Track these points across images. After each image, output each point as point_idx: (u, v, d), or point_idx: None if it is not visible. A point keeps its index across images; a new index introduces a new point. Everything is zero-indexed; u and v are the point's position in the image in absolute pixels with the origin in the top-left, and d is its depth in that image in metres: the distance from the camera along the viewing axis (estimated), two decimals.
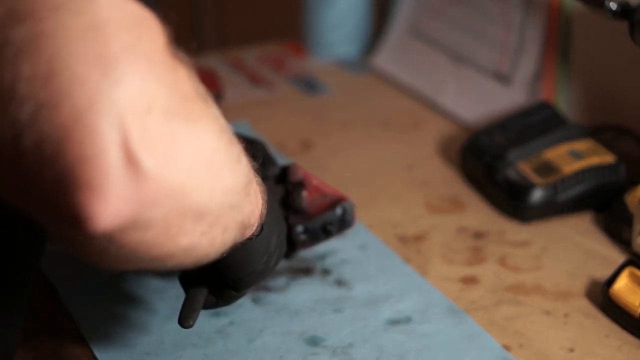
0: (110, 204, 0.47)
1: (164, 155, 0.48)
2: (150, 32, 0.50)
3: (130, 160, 0.47)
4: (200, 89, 0.53)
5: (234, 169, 0.55)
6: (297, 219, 0.78)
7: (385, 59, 1.25)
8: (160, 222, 0.49)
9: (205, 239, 0.53)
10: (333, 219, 0.78)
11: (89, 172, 0.46)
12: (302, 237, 0.78)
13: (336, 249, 0.87)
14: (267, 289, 0.82)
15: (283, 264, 0.85)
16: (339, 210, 0.78)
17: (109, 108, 0.46)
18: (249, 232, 0.63)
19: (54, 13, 0.47)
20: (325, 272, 0.84)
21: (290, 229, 0.77)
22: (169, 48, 0.51)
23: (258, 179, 0.63)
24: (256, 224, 0.64)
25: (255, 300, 0.80)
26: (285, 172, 0.79)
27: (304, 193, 0.78)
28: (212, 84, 1.06)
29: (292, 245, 0.78)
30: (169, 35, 0.51)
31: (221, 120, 0.54)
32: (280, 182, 0.79)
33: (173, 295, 0.80)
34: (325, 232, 0.78)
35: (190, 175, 0.50)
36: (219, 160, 0.52)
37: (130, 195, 0.47)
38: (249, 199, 0.60)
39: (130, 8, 0.49)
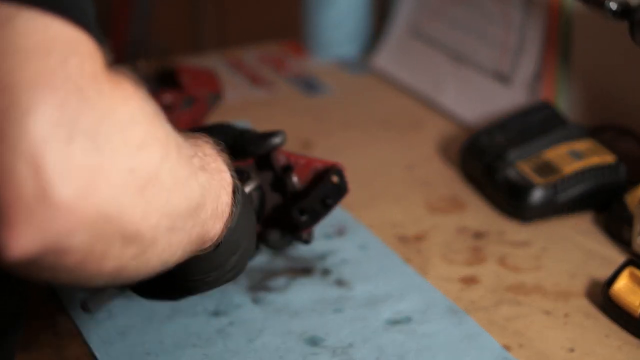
0: (21, 235, 0.47)
1: (84, 185, 0.47)
2: (78, 55, 0.48)
3: (44, 191, 0.46)
4: (150, 110, 0.51)
5: (178, 191, 0.54)
6: (294, 202, 0.77)
7: (385, 59, 1.25)
8: (81, 248, 0.49)
9: (136, 261, 0.53)
10: (327, 191, 0.76)
11: (1, 205, 0.46)
12: (303, 218, 0.76)
13: (336, 249, 0.87)
14: (267, 289, 0.82)
15: (283, 263, 0.85)
16: (330, 180, 0.76)
17: (18, 139, 0.46)
18: (204, 247, 0.62)
19: None
20: (325, 272, 0.84)
21: (290, 213, 0.76)
22: (106, 72, 0.49)
23: (226, 189, 0.62)
24: (215, 238, 0.63)
25: (255, 301, 0.80)
26: (267, 158, 0.77)
27: (294, 175, 0.77)
28: (211, 84, 1.06)
29: (295, 229, 0.77)
30: (107, 56, 0.50)
31: (168, 141, 0.53)
32: (264, 169, 0.77)
33: None
34: (323, 205, 0.77)
35: (117, 203, 0.49)
36: (157, 185, 0.51)
37: (45, 225, 0.47)
38: (203, 218, 0.59)
39: (54, 32, 0.48)
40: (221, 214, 0.62)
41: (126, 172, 0.49)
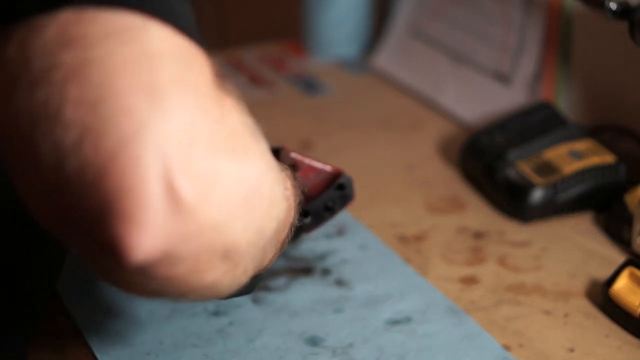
0: (148, 237, 0.46)
1: (204, 190, 0.47)
2: (198, 65, 0.49)
3: (171, 193, 0.46)
4: (249, 123, 0.52)
5: (273, 209, 0.54)
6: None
7: (385, 59, 1.25)
8: (192, 257, 0.48)
9: (227, 277, 0.52)
10: (334, 197, 0.77)
11: (129, 202, 0.46)
12: (306, 220, 0.77)
13: (336, 249, 0.87)
14: (267, 289, 0.82)
15: (283, 263, 0.85)
16: (337, 187, 0.76)
17: (154, 139, 0.46)
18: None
19: (105, 40, 0.46)
20: (325, 272, 0.84)
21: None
22: (216, 82, 0.50)
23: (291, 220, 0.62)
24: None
25: (255, 301, 0.80)
26: (275, 156, 0.77)
27: (298, 176, 0.77)
28: None
29: (297, 231, 0.77)
30: (216, 69, 0.51)
31: (268, 157, 0.53)
32: None
33: None
34: (328, 210, 0.77)
35: (227, 212, 0.49)
36: (258, 199, 0.51)
37: (168, 228, 0.46)
38: (274, 245, 0.59)
39: (180, 41, 0.49)
40: (277, 246, 0.62)
41: (236, 180, 0.49)
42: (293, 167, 0.77)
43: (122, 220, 0.46)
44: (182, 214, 0.46)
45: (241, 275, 0.54)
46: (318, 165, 0.78)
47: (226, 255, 0.51)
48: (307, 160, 0.77)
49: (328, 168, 0.78)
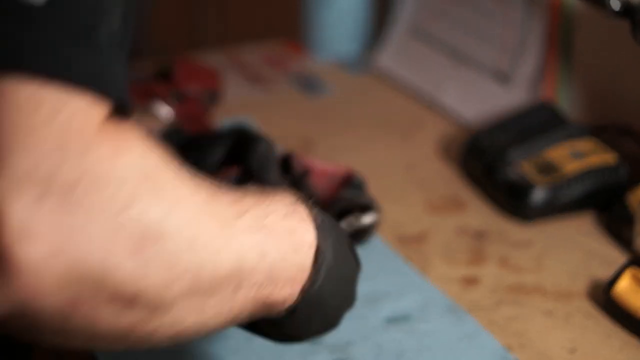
0: None
1: (53, 245, 0.45)
2: (66, 111, 0.46)
3: (2, 252, 0.44)
4: (153, 162, 0.49)
5: (200, 252, 0.50)
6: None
7: (386, 58, 1.25)
8: (58, 310, 0.46)
9: (153, 324, 0.50)
10: (345, 203, 0.77)
11: None
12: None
13: None
14: None
15: None
16: (352, 188, 0.77)
17: None
18: (272, 311, 0.58)
19: None
20: None
21: None
22: (103, 125, 0.47)
23: (301, 250, 0.57)
24: (286, 303, 0.58)
25: None
26: (286, 162, 0.77)
27: (311, 181, 0.77)
28: (208, 81, 1.06)
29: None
30: (109, 113, 0.48)
31: (187, 197, 0.49)
32: (283, 173, 0.78)
33: None
34: (340, 216, 0.77)
35: (99, 263, 0.46)
36: (162, 244, 0.48)
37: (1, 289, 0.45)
38: (254, 282, 0.54)
39: (44, 90, 0.46)
40: (291, 278, 0.57)
41: (110, 231, 0.46)
42: (305, 172, 0.76)
43: None
44: (21, 274, 0.44)
45: (185, 319, 0.51)
46: (328, 168, 0.78)
47: (128, 303, 0.48)
48: (318, 165, 0.77)
49: (339, 170, 0.78)
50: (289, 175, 0.76)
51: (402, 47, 1.24)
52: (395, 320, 0.78)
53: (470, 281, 0.84)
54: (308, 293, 0.59)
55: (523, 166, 0.94)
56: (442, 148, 1.07)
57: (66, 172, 0.45)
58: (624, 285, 0.78)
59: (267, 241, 0.55)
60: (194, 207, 0.50)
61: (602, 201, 0.92)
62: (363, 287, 0.82)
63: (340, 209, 0.76)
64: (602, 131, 0.99)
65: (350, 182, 0.77)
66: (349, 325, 0.77)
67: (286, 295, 0.58)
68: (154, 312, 0.49)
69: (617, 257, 0.85)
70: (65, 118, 0.46)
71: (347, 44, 1.28)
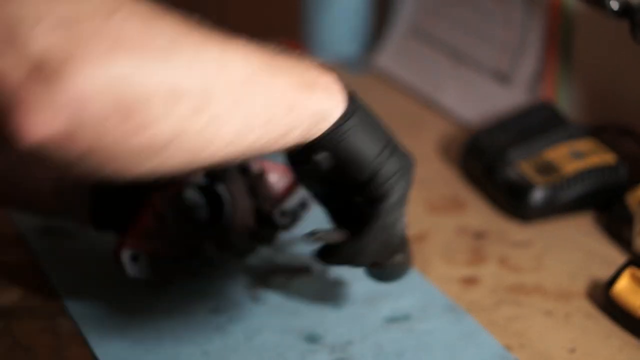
0: (34, 117, 0.47)
1: (75, 55, 0.48)
2: None
3: (38, 69, 0.47)
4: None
5: (213, 48, 0.54)
6: (271, 206, 0.79)
7: (385, 58, 1.25)
8: (113, 113, 0.49)
9: (198, 121, 0.52)
10: (305, 194, 0.78)
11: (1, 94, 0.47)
12: (283, 220, 0.79)
13: None
14: (267, 287, 0.82)
15: (282, 261, 0.85)
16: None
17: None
18: (320, 113, 0.61)
19: None
20: (325, 270, 0.84)
21: (268, 217, 0.78)
22: None
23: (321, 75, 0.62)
24: (330, 115, 0.62)
25: (254, 298, 0.80)
26: (243, 174, 0.79)
27: (267, 178, 0.79)
28: None
29: (274, 230, 0.79)
30: None
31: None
32: (243, 174, 0.79)
33: (173, 293, 0.80)
34: (303, 207, 0.79)
35: (133, 63, 0.49)
36: (162, 42, 0.51)
37: (51, 101, 0.47)
38: (278, 78, 0.58)
39: None
40: (326, 90, 0.62)
41: (116, 35, 0.50)
42: (261, 172, 0.78)
43: (2, 114, 0.48)
44: (60, 84, 0.47)
45: (230, 115, 0.54)
46: (282, 168, 0.79)
47: (173, 96, 0.51)
48: (272, 165, 0.79)
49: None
50: (246, 178, 0.78)
51: (402, 48, 1.24)
52: (395, 319, 0.78)
53: (470, 281, 0.84)
54: (351, 110, 0.63)
55: (523, 166, 0.94)
56: (442, 148, 1.07)
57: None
58: (623, 285, 0.78)
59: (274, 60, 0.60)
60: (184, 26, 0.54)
61: (601, 201, 0.92)
62: (363, 286, 0.82)
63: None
64: (601, 131, 0.99)
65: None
66: (349, 324, 0.78)
67: (326, 106, 0.61)
68: (203, 104, 0.52)
69: (617, 257, 0.86)
70: None
71: (347, 44, 1.28)
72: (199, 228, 0.77)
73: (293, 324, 0.77)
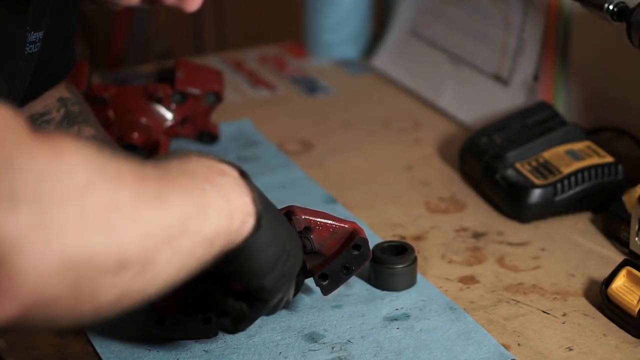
0: None
1: (41, 243, 0.50)
2: None
3: (2, 264, 0.49)
4: (90, 152, 0.53)
5: (154, 209, 0.56)
6: (314, 264, 0.77)
7: (384, 60, 1.25)
8: (64, 294, 0.51)
9: (140, 281, 0.55)
10: (350, 258, 0.76)
11: None
12: (324, 282, 0.77)
13: None
14: None
15: None
16: (354, 247, 0.76)
17: None
18: (234, 236, 0.64)
19: None
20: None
21: (309, 276, 0.77)
22: (31, 133, 0.51)
23: (225, 188, 0.64)
24: (241, 235, 0.65)
25: None
26: (286, 218, 0.77)
27: (313, 237, 0.76)
28: (210, 82, 1.06)
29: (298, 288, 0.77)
30: (27, 119, 0.52)
31: (126, 171, 0.55)
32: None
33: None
34: (345, 270, 0.77)
35: (82, 245, 0.51)
36: (122, 213, 0.53)
37: (11, 292, 0.49)
38: (207, 217, 0.61)
39: None
40: (243, 214, 0.65)
41: (79, 216, 0.51)
42: (307, 229, 0.76)
43: None
44: (22, 274, 0.49)
45: (167, 265, 0.57)
46: (331, 223, 0.77)
47: (117, 269, 0.53)
48: (320, 220, 0.77)
49: (342, 225, 0.78)
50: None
51: (401, 49, 1.24)
52: (394, 318, 0.78)
53: (469, 281, 0.84)
54: (256, 227, 0.66)
55: (521, 167, 0.95)
56: (441, 148, 1.07)
57: (24, 180, 0.50)
58: (620, 284, 0.78)
59: (205, 188, 0.62)
60: (135, 177, 0.56)
61: (599, 202, 0.93)
62: (362, 285, 0.83)
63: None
64: (599, 132, 1.00)
65: (351, 239, 0.77)
66: (349, 323, 0.78)
67: (232, 227, 0.64)
68: (145, 267, 0.55)
69: (614, 256, 0.86)
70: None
71: (346, 46, 1.28)
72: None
73: (293, 323, 0.78)
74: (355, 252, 0.76)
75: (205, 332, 0.75)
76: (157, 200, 0.57)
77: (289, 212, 0.76)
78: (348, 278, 0.77)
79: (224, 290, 0.69)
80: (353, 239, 0.76)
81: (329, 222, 0.77)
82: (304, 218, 0.76)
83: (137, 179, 0.56)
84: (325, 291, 0.77)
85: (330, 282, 0.77)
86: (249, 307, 0.71)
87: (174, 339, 0.75)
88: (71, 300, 0.52)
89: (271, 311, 0.73)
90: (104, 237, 0.52)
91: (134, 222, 0.55)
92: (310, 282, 0.81)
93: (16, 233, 0.49)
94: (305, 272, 0.76)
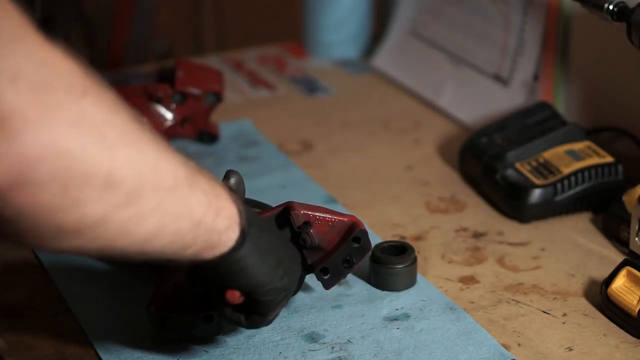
0: None
1: (38, 118, 0.51)
2: (5, 10, 0.52)
3: (1, 122, 0.50)
4: (85, 71, 0.55)
5: (148, 148, 0.57)
6: (314, 259, 0.76)
7: (384, 59, 1.25)
8: (50, 180, 0.52)
9: (124, 213, 0.56)
10: (351, 251, 0.76)
11: None
12: (325, 276, 0.77)
13: None
14: None
15: None
16: (354, 240, 0.76)
17: None
18: (217, 237, 0.64)
19: None
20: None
21: (311, 271, 0.76)
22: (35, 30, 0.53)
23: (224, 194, 0.65)
24: (229, 231, 0.65)
25: None
26: (285, 214, 0.77)
27: (313, 231, 0.76)
28: (210, 82, 1.06)
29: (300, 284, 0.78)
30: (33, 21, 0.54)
31: (119, 106, 0.56)
32: (283, 226, 0.76)
33: None
34: (346, 263, 0.77)
35: (76, 141, 0.53)
36: (114, 132, 0.55)
37: (3, 154, 0.50)
38: (195, 194, 0.61)
39: None
40: (227, 219, 0.64)
41: (75, 116, 0.53)
42: (306, 224, 0.76)
43: None
44: (18, 139, 0.51)
45: (151, 214, 0.57)
46: (330, 217, 0.77)
47: (105, 185, 0.54)
48: (319, 214, 0.77)
49: (342, 219, 0.77)
50: (289, 227, 0.76)
51: (401, 49, 1.24)
52: (394, 318, 0.79)
53: (469, 281, 0.84)
54: (245, 235, 0.66)
55: (521, 167, 0.95)
56: (441, 148, 1.07)
57: (28, 62, 0.52)
58: (620, 284, 0.78)
59: (194, 176, 0.62)
60: (129, 117, 0.57)
61: (599, 202, 0.93)
62: (362, 285, 0.83)
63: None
64: (599, 132, 1.00)
65: (351, 232, 0.76)
66: (349, 323, 0.78)
67: (224, 225, 0.64)
68: (131, 200, 0.56)
69: (614, 256, 0.86)
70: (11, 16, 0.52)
71: (347, 46, 1.28)
72: None
73: (293, 323, 0.78)
74: (356, 245, 0.76)
75: (208, 331, 0.75)
76: (154, 148, 0.58)
77: (288, 208, 0.75)
78: (349, 271, 0.77)
79: (223, 300, 0.69)
80: (352, 231, 0.76)
81: (328, 216, 0.77)
82: (303, 213, 0.76)
83: (136, 120, 0.57)
84: (327, 285, 0.77)
85: (331, 276, 0.77)
86: (246, 319, 0.71)
87: (176, 339, 0.75)
88: (57, 196, 0.53)
89: (269, 322, 0.72)
90: (96, 145, 0.54)
91: (128, 146, 0.56)
92: (310, 280, 0.81)
93: (16, 105, 0.50)
94: (306, 267, 0.76)
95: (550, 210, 0.93)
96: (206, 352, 0.75)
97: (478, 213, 0.95)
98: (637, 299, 0.76)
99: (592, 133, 0.99)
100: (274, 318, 0.72)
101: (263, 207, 0.81)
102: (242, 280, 0.67)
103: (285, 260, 0.71)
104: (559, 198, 0.92)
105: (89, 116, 0.54)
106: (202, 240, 0.63)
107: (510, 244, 0.89)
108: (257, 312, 0.70)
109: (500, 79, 1.11)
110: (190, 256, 0.63)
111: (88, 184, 0.54)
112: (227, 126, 1.10)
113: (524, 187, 0.92)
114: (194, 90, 1.04)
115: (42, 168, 0.52)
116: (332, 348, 0.75)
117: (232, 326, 0.76)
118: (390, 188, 1.00)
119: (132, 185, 0.56)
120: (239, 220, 0.65)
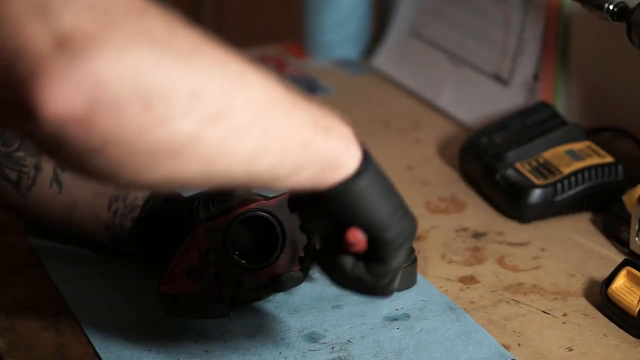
0: (55, 87, 0.47)
1: (101, 35, 0.47)
2: None
3: (64, 42, 0.47)
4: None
5: (225, 62, 0.54)
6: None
7: (384, 60, 1.25)
8: (133, 97, 0.48)
9: (217, 128, 0.52)
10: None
11: (23, 63, 0.47)
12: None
13: None
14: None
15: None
16: None
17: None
18: (336, 157, 0.60)
19: None
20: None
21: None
22: None
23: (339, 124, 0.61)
24: (350, 150, 0.61)
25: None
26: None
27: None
28: None
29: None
30: None
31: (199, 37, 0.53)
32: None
33: None
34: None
35: (145, 53, 0.49)
36: (186, 45, 0.51)
37: (73, 75, 0.47)
38: (297, 112, 0.57)
39: None
40: (342, 139, 0.60)
41: (141, 27, 0.49)
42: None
43: (23, 81, 0.47)
44: (86, 60, 0.47)
45: (247, 136, 0.53)
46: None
47: (195, 99, 0.50)
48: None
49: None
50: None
51: (401, 49, 1.24)
52: (394, 318, 0.79)
53: (469, 281, 0.84)
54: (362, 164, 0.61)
55: (521, 167, 0.95)
56: (441, 148, 1.07)
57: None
58: (620, 284, 0.78)
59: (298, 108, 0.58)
60: (208, 47, 0.54)
61: (599, 202, 0.93)
62: None
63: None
64: (599, 132, 1.00)
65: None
66: (349, 323, 0.78)
67: (340, 155, 0.60)
68: (220, 111, 0.51)
69: (614, 256, 0.86)
70: None
71: (347, 46, 1.28)
72: (242, 265, 0.75)
73: (294, 323, 0.78)
74: None
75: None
76: (236, 62, 0.54)
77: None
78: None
79: (341, 247, 0.64)
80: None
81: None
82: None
83: (209, 36, 0.54)
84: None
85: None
86: (367, 271, 0.64)
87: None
88: (141, 114, 0.49)
89: (393, 274, 0.65)
90: (169, 57, 0.49)
91: (206, 57, 0.52)
92: (310, 280, 0.81)
93: (74, 25, 0.47)
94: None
95: (550, 210, 0.93)
96: (206, 352, 0.75)
97: (478, 213, 0.95)
98: (637, 299, 0.76)
99: (592, 133, 0.99)
100: (396, 271, 0.65)
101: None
102: (366, 211, 0.61)
103: (400, 200, 0.66)
104: (559, 198, 0.92)
105: (154, 30, 0.50)
106: (320, 162, 0.58)
107: (510, 244, 0.90)
108: (378, 257, 0.64)
109: (500, 79, 1.11)
110: (310, 180, 0.58)
111: (171, 98, 0.49)
112: None
113: (524, 187, 0.92)
114: None
115: (117, 85, 0.48)
116: (332, 348, 0.75)
117: (234, 327, 0.76)
118: None
119: (219, 98, 0.52)
120: (357, 141, 0.61)
